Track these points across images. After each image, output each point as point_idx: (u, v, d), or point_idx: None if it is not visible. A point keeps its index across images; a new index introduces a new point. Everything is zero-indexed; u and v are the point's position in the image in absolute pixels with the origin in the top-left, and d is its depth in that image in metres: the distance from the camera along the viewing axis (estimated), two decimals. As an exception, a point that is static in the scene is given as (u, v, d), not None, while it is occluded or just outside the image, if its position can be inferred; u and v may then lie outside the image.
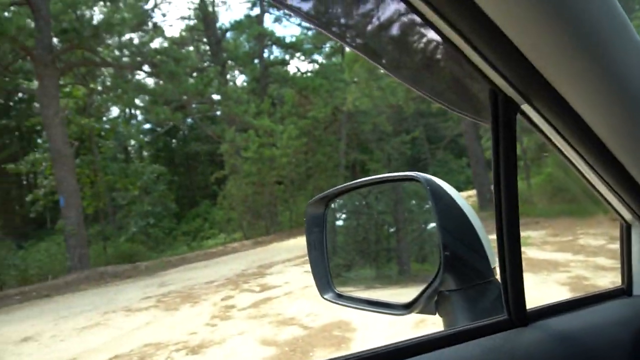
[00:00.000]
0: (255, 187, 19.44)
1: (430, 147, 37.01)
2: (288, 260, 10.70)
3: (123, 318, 6.61)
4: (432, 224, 1.00)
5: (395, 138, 34.82)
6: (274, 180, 19.85)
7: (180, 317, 6.21)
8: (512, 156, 0.55)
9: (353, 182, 1.03)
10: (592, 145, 0.57)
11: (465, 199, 0.78)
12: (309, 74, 27.73)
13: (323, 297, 0.99)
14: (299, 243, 15.35)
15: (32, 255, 14.76)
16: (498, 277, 0.71)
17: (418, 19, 0.48)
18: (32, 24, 11.85)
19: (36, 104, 18.34)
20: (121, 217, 22.06)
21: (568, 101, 0.51)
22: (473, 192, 17.42)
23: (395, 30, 0.55)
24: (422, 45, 0.57)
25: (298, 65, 50.11)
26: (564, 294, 4.66)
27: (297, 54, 27.97)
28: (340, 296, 0.97)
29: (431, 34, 0.53)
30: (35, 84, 15.24)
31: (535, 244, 7.98)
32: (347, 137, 30.80)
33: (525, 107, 0.55)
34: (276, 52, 29.01)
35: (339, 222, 1.13)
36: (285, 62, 28.21)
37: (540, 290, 4.83)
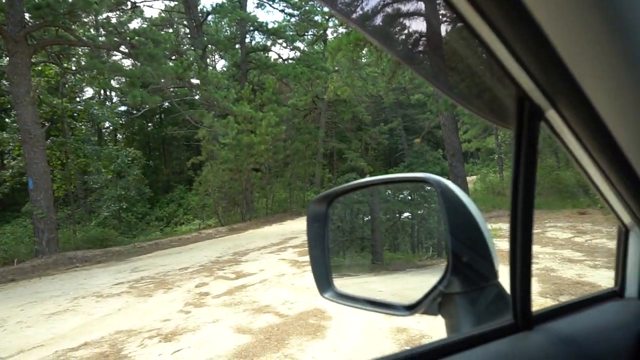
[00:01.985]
0: (232, 174, 19.29)
1: (408, 138, 37.48)
2: (263, 248, 10.67)
3: (93, 304, 6.46)
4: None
5: (373, 128, 35.12)
6: (251, 167, 19.73)
7: (153, 303, 6.11)
8: (533, 164, 0.54)
9: (358, 181, 1.01)
10: (610, 153, 0.57)
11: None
12: (290, 62, 27.51)
13: (323, 296, 0.96)
14: (274, 230, 15.35)
15: (-2, 237, 14.29)
16: (500, 280, 0.74)
17: (446, 12, 0.44)
18: (2, -2, 11.36)
19: (5, 82, 17.64)
20: (93, 201, 21.61)
21: (595, 107, 0.50)
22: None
23: (416, 18, 0.50)
24: (446, 38, 0.54)
25: (280, 52, 49.67)
26: (534, 286, 4.78)
27: (279, 41, 27.66)
28: (340, 295, 0.95)
29: (455, 29, 0.49)
30: (4, 60, 14.66)
31: (505, 236, 8.17)
32: (326, 125, 30.81)
33: (550, 114, 0.54)
34: (258, 37, 28.69)
35: (342, 220, 1.11)
36: (266, 49, 27.88)
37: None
